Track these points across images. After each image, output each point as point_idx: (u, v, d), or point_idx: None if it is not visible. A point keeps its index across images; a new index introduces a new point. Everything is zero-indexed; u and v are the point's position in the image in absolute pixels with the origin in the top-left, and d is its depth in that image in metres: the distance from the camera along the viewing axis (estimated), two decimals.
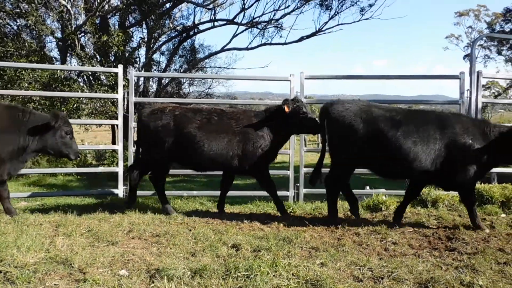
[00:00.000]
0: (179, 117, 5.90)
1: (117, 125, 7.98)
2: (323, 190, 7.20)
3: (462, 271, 3.92)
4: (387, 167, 5.56)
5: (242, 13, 19.81)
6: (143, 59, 18.89)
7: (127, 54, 16.64)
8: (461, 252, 4.46)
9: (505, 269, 3.94)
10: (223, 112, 6.08)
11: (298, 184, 7.40)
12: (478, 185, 6.73)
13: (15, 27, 16.33)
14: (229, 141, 5.85)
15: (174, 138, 5.87)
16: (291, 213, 6.36)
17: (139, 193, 7.55)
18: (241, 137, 5.89)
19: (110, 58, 16.29)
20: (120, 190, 7.34)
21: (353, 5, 19.61)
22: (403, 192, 7.29)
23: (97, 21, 16.93)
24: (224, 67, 22.68)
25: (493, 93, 33.26)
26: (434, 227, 5.57)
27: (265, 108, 6.27)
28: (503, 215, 6.19)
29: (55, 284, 3.44)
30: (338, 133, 5.57)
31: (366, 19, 20.06)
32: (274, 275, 3.55)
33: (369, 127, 5.34)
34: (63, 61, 16.59)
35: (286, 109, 5.82)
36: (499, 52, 31.36)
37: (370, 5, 19.61)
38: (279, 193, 6.63)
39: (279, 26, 20.37)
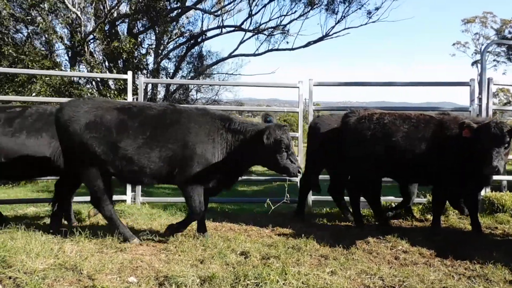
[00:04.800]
0: (388, 125, 5.46)
1: None
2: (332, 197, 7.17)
3: (475, 281, 3.86)
4: None
5: (249, 19, 19.90)
6: (151, 66, 19.02)
7: (135, 60, 16.76)
8: (473, 261, 4.39)
9: None
10: (431, 119, 5.46)
11: None
12: (489, 193, 6.65)
13: (26, 34, 16.54)
14: (429, 151, 5.24)
15: (383, 148, 5.42)
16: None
17: (147, 199, 7.57)
18: (442, 148, 5.21)
19: (119, 64, 16.41)
20: (128, 197, 7.33)
21: (359, 8, 19.50)
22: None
23: (106, 28, 17.09)
24: (231, 73, 22.77)
25: (500, 100, 33.04)
26: (445, 235, 5.49)
27: (472, 119, 5.34)
28: None
29: None
30: None
31: (373, 22, 19.89)
32: (283, 283, 3.52)
33: None
34: (72, 67, 16.74)
35: (464, 133, 4.92)
36: (509, 58, 31.20)
37: (377, 8, 19.48)
38: None
39: (286, 32, 20.41)
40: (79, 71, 16.46)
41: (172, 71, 20.41)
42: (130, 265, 4.02)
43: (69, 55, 17.21)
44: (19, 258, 3.85)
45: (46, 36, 15.33)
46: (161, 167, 4.75)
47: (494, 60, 33.04)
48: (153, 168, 4.74)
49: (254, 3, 19.35)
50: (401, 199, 6.72)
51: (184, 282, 3.53)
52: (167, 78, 19.82)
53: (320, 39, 20.26)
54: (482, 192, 6.69)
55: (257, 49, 20.96)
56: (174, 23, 19.13)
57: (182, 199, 7.67)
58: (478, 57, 33.76)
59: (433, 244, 4.95)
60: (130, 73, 7.56)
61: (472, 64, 35.02)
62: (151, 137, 4.71)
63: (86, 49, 16.13)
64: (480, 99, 7.19)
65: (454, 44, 37.52)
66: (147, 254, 4.44)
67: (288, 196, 5.45)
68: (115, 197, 7.46)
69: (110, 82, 16.11)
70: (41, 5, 14.78)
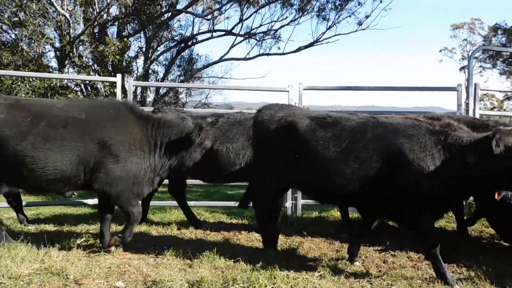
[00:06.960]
0: None
1: None
2: None
3: (462, 284, 3.89)
4: None
5: (240, 24, 19.96)
6: (141, 69, 18.93)
7: (124, 64, 16.64)
8: (460, 264, 4.43)
9: (505, 282, 3.91)
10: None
11: (296, 195, 7.35)
12: None
13: (13, 36, 16.32)
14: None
15: None
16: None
17: None
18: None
19: (108, 67, 16.28)
20: None
21: (350, 16, 19.74)
22: None
23: (96, 31, 16.98)
24: (222, 77, 22.76)
25: (485, 105, 33.52)
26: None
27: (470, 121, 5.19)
28: None
29: None
30: None
31: (363, 29, 20.20)
32: (272, 287, 3.51)
33: None
34: (61, 70, 16.56)
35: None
36: (494, 65, 31.75)
37: (366, 16, 19.74)
38: None
39: (277, 37, 20.50)
40: (68, 74, 16.30)
41: (162, 74, 20.33)
42: (118, 269, 3.98)
43: (57, 58, 17.05)
44: (4, 263, 3.79)
45: (34, 39, 15.13)
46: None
47: (480, 67, 33.55)
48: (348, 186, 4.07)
49: (245, 9, 19.42)
50: None
51: (172, 287, 3.50)
52: (156, 81, 19.74)
53: (311, 44, 20.41)
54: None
55: (248, 53, 21.00)
56: (165, 26, 19.07)
57: (169, 203, 7.62)
58: (465, 62, 34.30)
59: (421, 248, 4.98)
60: (119, 75, 7.51)
61: (460, 70, 35.54)
62: (345, 152, 4.09)
63: (74, 51, 15.99)
64: (467, 104, 7.29)
65: (441, 50, 38.06)
66: (135, 258, 4.40)
67: None
68: None
69: (99, 85, 15.95)
70: (28, 6, 14.58)
